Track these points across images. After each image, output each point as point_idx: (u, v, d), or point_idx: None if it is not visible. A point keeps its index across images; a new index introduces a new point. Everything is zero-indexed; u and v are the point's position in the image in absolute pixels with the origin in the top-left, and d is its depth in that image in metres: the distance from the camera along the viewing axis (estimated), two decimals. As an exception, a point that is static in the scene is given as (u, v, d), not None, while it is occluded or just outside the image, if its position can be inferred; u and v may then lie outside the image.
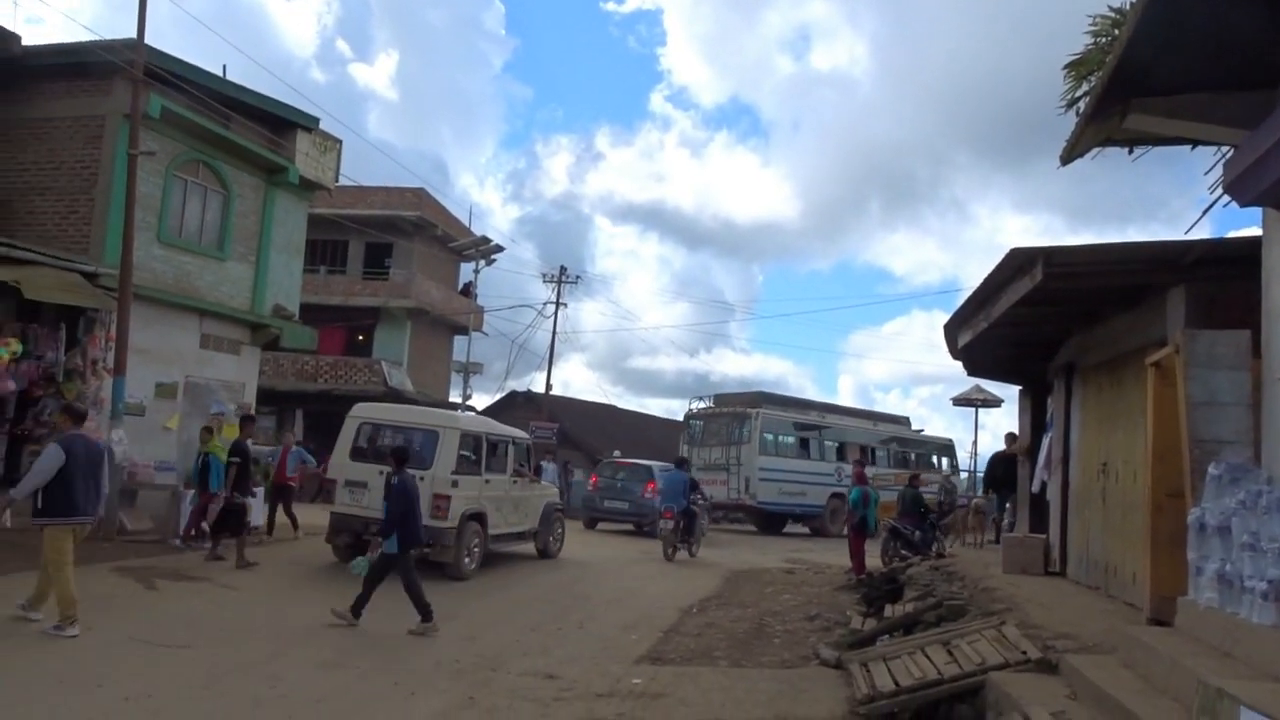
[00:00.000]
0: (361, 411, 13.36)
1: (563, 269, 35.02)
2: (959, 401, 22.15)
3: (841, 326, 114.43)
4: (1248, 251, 6.31)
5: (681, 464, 18.87)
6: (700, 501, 18.38)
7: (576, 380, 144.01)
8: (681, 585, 13.40)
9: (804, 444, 26.46)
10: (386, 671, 7.41)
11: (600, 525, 22.28)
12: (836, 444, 26.92)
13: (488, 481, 13.20)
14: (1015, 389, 14.77)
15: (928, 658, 7.05)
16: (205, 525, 12.61)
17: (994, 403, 21.60)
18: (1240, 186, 5.75)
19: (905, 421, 30.70)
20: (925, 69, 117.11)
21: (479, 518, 12.74)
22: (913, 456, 28.56)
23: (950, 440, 30.87)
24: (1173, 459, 6.52)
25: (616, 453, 30.36)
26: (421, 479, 11.84)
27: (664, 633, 9.83)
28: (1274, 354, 5.69)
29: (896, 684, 6.62)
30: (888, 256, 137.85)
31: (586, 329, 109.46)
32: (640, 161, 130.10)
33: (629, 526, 22.08)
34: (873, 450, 27.71)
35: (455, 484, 12.27)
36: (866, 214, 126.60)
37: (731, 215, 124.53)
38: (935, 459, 29.48)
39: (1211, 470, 5.78)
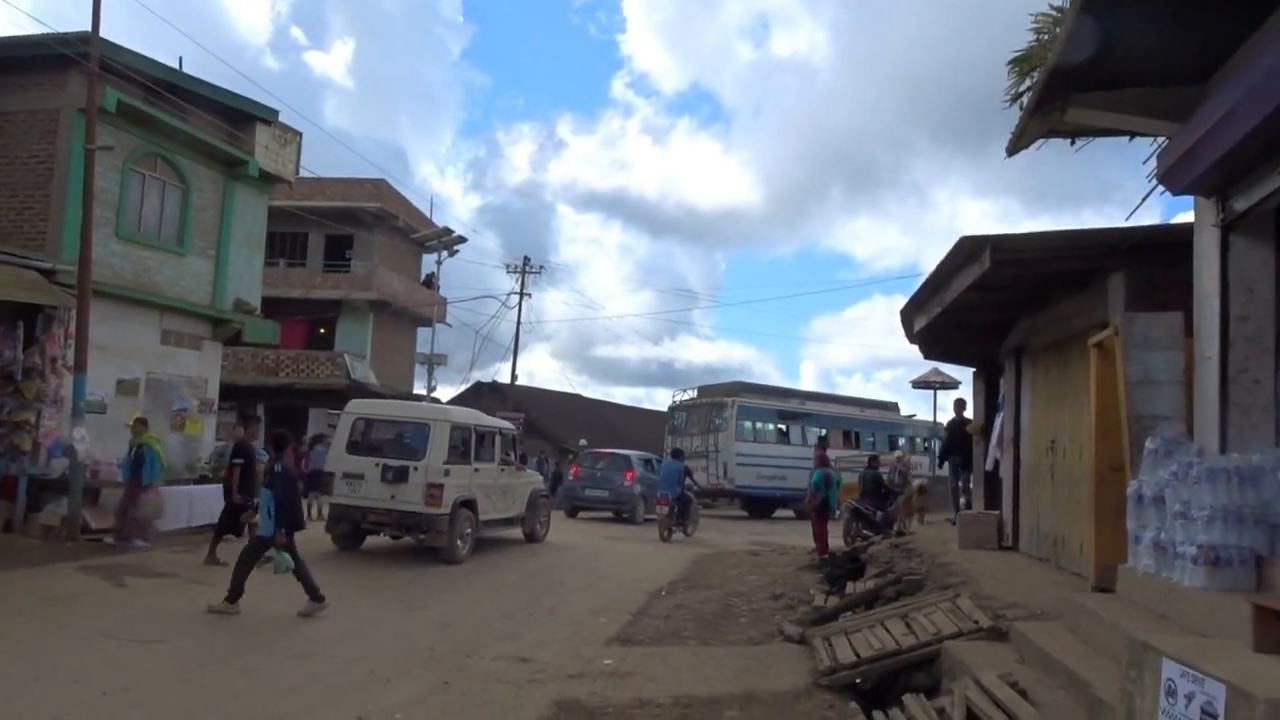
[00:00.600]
0: (356, 408, 14.09)
1: (526, 259, 35.12)
2: (918, 384, 22.73)
3: (804, 312, 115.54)
4: (1182, 238, 6.64)
5: (677, 454, 20.15)
6: (693, 488, 19.71)
7: (541, 370, 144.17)
8: (651, 569, 13.65)
9: (785, 430, 27.19)
10: (361, 660, 7.53)
11: (582, 514, 22.78)
12: (821, 430, 27.55)
13: (477, 470, 13.75)
14: (971, 371, 15.16)
15: (887, 630, 7.35)
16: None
17: (951, 384, 22.09)
18: (1172, 176, 6.06)
19: (894, 407, 31.36)
20: (885, 56, 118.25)
21: (470, 504, 13.36)
22: (901, 441, 29.15)
23: (940, 423, 31.42)
24: (1114, 435, 6.84)
25: (583, 441, 30.66)
26: (415, 469, 12.64)
27: (633, 615, 10.06)
28: (1204, 334, 6.02)
29: (857, 655, 6.92)
30: (849, 242, 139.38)
31: (550, 318, 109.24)
32: (602, 149, 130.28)
33: (609, 514, 22.63)
34: (857, 435, 28.44)
35: (447, 473, 12.81)
36: (828, 200, 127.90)
37: (694, 202, 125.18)
38: (924, 442, 30.04)
39: (1148, 444, 6.10)
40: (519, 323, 34.38)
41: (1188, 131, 5.72)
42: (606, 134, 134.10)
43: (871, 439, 28.69)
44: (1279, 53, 4.61)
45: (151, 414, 15.15)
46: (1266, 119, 4.74)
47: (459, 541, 13.02)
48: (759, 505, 26.99)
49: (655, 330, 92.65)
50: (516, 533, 15.70)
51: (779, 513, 27.21)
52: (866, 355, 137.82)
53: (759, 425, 27.02)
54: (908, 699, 5.70)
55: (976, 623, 6.81)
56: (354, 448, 13.26)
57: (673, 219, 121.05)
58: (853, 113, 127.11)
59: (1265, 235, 5.83)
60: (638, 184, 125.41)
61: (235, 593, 9.00)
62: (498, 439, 14.72)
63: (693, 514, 19.16)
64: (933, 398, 23.92)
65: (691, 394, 28.39)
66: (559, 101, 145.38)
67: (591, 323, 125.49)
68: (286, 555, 9.07)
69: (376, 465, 12.83)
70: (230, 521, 11.95)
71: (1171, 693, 3.47)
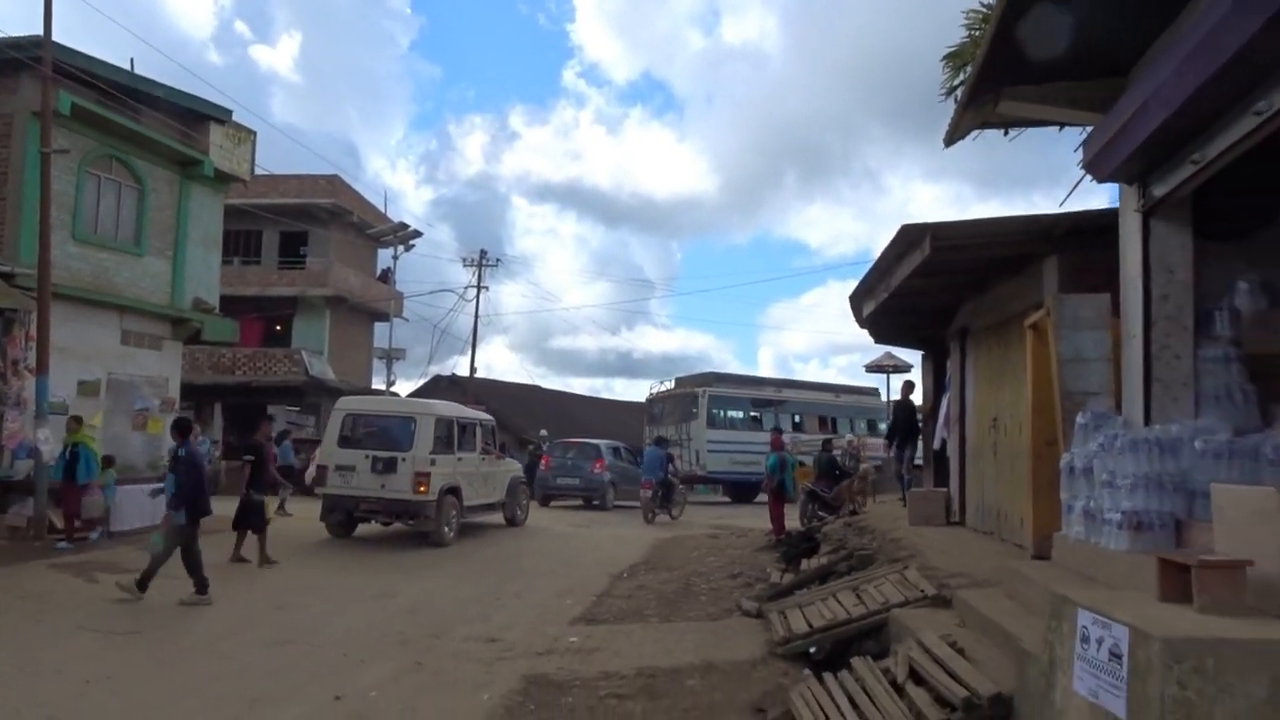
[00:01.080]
0: (345, 404, 15.00)
1: (483, 252, 35.24)
2: (871, 368, 23.18)
3: (760, 299, 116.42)
4: (1109, 222, 7.05)
5: (660, 442, 21.11)
6: (675, 473, 20.68)
7: (499, 363, 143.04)
8: (614, 554, 13.96)
9: (758, 418, 27.94)
10: (335, 646, 7.77)
11: (554, 502, 23.08)
12: (796, 416, 28.39)
13: (460, 459, 14.55)
14: (920, 354, 15.63)
15: (839, 602, 7.72)
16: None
17: (904, 368, 22.56)
18: (1096, 165, 6.44)
19: (874, 393, 31.89)
20: (835, 42, 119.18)
21: (455, 491, 14.14)
22: (881, 425, 29.75)
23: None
24: (1049, 411, 7.23)
25: (543, 432, 30.89)
26: (403, 459, 13.39)
27: (597, 597, 10.37)
28: (1129, 314, 6.42)
29: (810, 625, 7.28)
30: (803, 229, 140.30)
31: (507, 311, 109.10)
32: (556, 140, 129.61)
33: (579, 501, 23.04)
34: (834, 421, 29.19)
35: (433, 462, 13.60)
36: (782, 187, 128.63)
37: (649, 192, 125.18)
38: None
39: (1079, 419, 6.50)
40: (476, 316, 34.55)
41: (1108, 123, 6.08)
42: (559, 125, 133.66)
43: (849, 425, 29.41)
44: (1185, 50, 4.98)
45: (113, 414, 15.19)
46: (1175, 113, 5.12)
47: (446, 526, 13.83)
48: (740, 490, 27.75)
49: (613, 321, 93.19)
50: (498, 517, 16.50)
51: (760, 497, 27.87)
52: (823, 341, 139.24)
53: (731, 413, 28.04)
54: (855, 661, 6.05)
55: (922, 591, 7.20)
56: (345, 442, 14.01)
57: (628, 209, 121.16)
58: (804, 100, 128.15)
59: (1183, 220, 6.24)
60: (592, 174, 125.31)
61: (201, 585, 9.18)
62: (478, 430, 15.55)
63: (677, 498, 20.20)
64: (886, 381, 24.43)
65: (669, 385, 29.53)
66: (510, 93, 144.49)
67: (549, 314, 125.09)
68: (159, 538, 9.14)
69: (367, 457, 13.56)
70: (244, 517, 12.04)
71: (1085, 639, 3.84)
